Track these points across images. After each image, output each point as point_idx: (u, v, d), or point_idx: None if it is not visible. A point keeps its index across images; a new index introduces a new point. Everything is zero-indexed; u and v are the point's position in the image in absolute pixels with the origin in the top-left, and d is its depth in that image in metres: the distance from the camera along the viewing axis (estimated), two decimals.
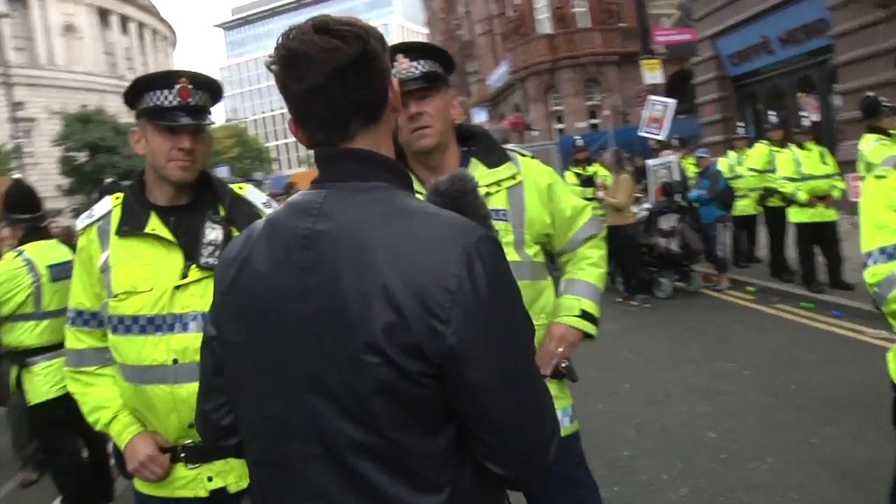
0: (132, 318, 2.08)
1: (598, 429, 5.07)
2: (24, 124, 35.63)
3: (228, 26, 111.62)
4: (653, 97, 12.17)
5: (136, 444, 2.12)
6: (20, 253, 4.45)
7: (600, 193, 9.50)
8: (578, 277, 2.39)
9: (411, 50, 2.14)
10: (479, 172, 2.21)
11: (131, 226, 2.12)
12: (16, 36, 47.10)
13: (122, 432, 2.15)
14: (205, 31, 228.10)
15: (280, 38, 1.28)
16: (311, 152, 1.34)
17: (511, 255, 2.17)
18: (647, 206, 9.80)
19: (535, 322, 2.17)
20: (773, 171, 8.80)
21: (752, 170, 9.58)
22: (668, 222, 9.17)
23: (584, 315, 2.32)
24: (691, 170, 10.68)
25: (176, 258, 2.09)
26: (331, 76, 1.21)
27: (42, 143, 41.76)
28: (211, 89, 2.18)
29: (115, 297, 2.09)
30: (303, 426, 1.21)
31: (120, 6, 58.19)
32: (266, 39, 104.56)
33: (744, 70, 17.38)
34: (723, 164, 10.24)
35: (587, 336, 2.34)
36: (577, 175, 10.67)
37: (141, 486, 2.19)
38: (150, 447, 2.10)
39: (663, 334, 7.65)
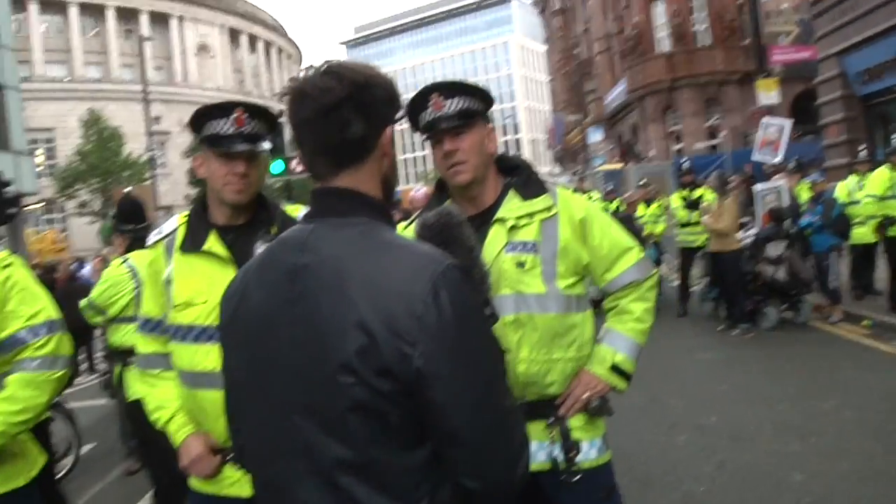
0: (188, 328, 2.27)
1: (676, 461, 4.93)
2: (159, 137, 38.12)
3: (352, 44, 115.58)
4: (767, 119, 11.69)
5: (189, 444, 2.31)
6: (125, 260, 4.82)
7: (705, 218, 9.22)
8: (618, 330, 2.37)
9: (445, 88, 2.22)
10: (514, 204, 2.27)
11: (192, 243, 2.32)
12: (156, 56, 50.79)
13: (178, 431, 2.35)
14: (329, 49, 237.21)
15: (302, 72, 1.42)
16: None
17: (537, 286, 2.21)
18: (753, 231, 9.42)
19: (563, 355, 2.21)
20: (894, 197, 8.27)
21: (870, 196, 9.02)
22: (775, 249, 8.78)
23: (615, 369, 2.31)
24: (805, 195, 10.18)
25: (230, 274, 2.23)
26: (320, 112, 1.35)
27: (174, 154, 44.62)
28: (266, 118, 2.34)
29: (175, 307, 2.29)
30: (291, 445, 1.32)
31: (249, 26, 61.48)
32: (388, 57, 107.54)
33: (874, 88, 16.31)
34: (842, 188, 9.66)
35: (615, 388, 2.33)
36: (683, 199, 10.39)
37: (194, 482, 2.37)
38: (201, 447, 2.28)
39: (761, 367, 7.31)
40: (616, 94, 37.87)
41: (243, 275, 1.47)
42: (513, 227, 2.23)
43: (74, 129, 39.93)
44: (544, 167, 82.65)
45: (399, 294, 1.25)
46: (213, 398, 2.21)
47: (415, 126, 2.29)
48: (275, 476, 1.36)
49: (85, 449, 6.43)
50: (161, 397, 2.41)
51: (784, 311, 9.15)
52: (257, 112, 2.32)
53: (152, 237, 2.47)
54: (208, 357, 2.21)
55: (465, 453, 1.28)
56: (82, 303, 5.12)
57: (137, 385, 2.51)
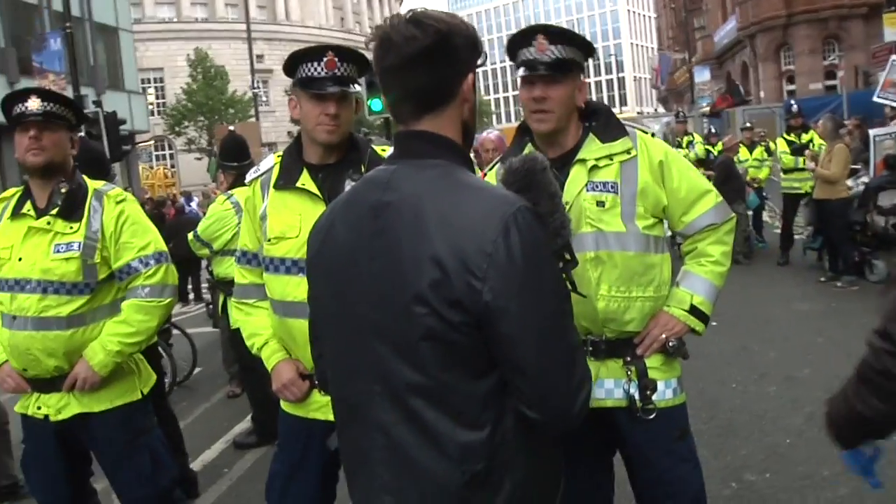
0: (280, 260, 2.42)
1: (763, 412, 4.86)
2: (262, 75, 38.97)
3: None
4: (895, 57, 10.86)
5: (280, 369, 2.48)
6: (229, 196, 5.07)
7: (811, 164, 8.78)
8: (696, 272, 2.39)
9: (552, 33, 2.23)
10: (593, 146, 2.30)
11: (286, 180, 2.46)
12: None
13: (271, 357, 2.53)
14: None
15: (387, 19, 1.48)
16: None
17: (617, 225, 2.26)
18: (864, 179, 8.91)
19: (641, 293, 2.26)
20: None
21: None
22: (889, 199, 8.28)
23: (693, 310, 2.34)
24: None
25: (320, 209, 2.35)
26: (405, 60, 1.41)
27: (277, 92, 45.59)
28: (357, 61, 2.44)
29: (269, 241, 2.45)
30: (367, 367, 1.43)
31: None
32: None
33: None
34: None
35: (694, 331, 2.36)
36: (789, 143, 9.90)
37: (284, 405, 2.56)
38: (292, 372, 2.45)
39: (862, 322, 6.95)
40: (726, 31, 36.01)
41: (330, 211, 1.58)
42: (593, 168, 2.28)
43: (182, 68, 41.35)
44: (648, 107, 79.97)
45: (472, 232, 1.32)
46: (303, 326, 2.33)
47: (512, 58, 2.32)
48: (353, 396, 1.48)
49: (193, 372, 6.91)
50: (255, 325, 2.58)
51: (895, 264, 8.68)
52: (348, 55, 2.41)
53: (250, 175, 2.63)
54: (299, 288, 2.34)
55: (529, 384, 1.35)
56: (189, 236, 5.44)
57: (235, 313, 2.69)
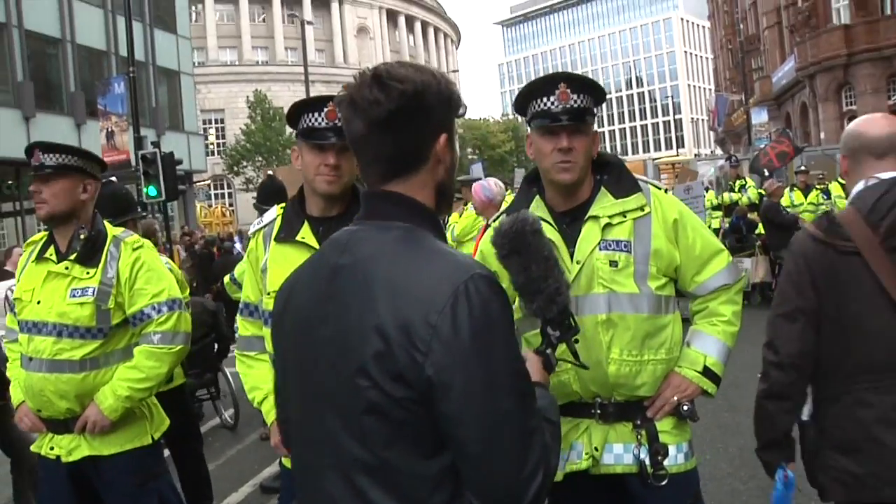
0: None
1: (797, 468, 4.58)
2: None
3: (507, 23, 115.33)
4: None
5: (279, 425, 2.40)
6: None
7: None
8: (709, 332, 2.32)
9: (575, 81, 2.18)
10: (606, 201, 2.24)
11: (286, 233, 2.44)
12: (317, 39, 53.21)
13: (270, 412, 2.49)
14: (485, 29, 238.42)
15: (354, 77, 1.41)
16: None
17: (630, 286, 2.18)
18: None
19: (653, 356, 2.18)
20: None
21: None
22: None
23: (706, 372, 2.26)
24: None
25: None
26: (369, 126, 1.34)
27: None
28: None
29: (268, 294, 2.41)
30: (320, 438, 1.36)
31: (407, 7, 62.83)
32: (543, 36, 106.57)
33: None
34: None
35: (706, 393, 2.29)
36: (843, 186, 9.58)
37: (285, 461, 2.49)
38: None
39: None
40: (784, 72, 35.47)
41: (296, 271, 1.51)
42: (607, 225, 2.21)
43: (242, 109, 42.67)
44: (706, 149, 79.05)
45: (419, 300, 1.24)
46: None
47: (521, 110, 2.27)
48: (307, 463, 1.41)
49: (228, 413, 6.92)
50: (257, 378, 2.55)
51: None
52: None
53: (253, 227, 2.61)
54: None
55: (472, 469, 1.25)
56: (226, 278, 5.49)
57: (238, 365, 2.67)
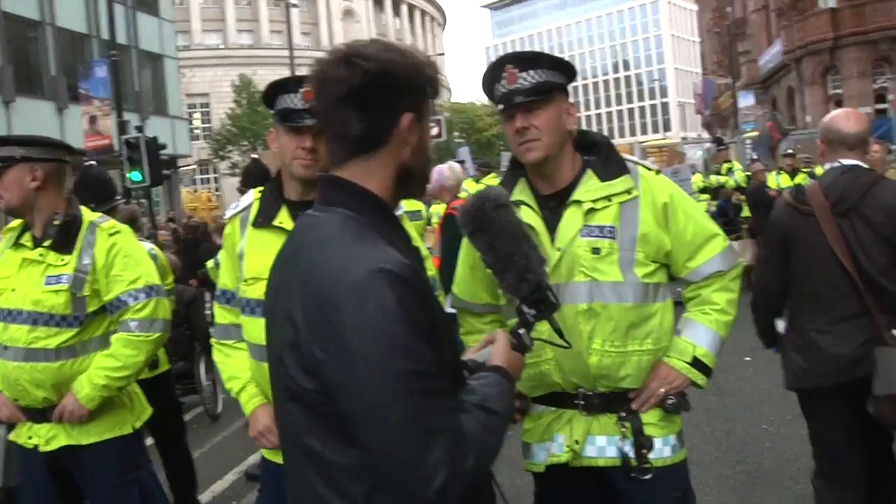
0: (256, 302, 2.30)
1: (796, 456, 4.57)
2: None
3: (495, 6, 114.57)
4: None
5: (257, 415, 2.38)
6: None
7: None
8: (700, 321, 2.21)
9: (521, 60, 2.09)
10: (592, 185, 2.13)
11: (263, 218, 2.36)
12: (303, 22, 52.74)
13: (248, 402, 2.43)
14: (472, 12, 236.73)
15: (326, 54, 1.41)
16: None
17: (614, 274, 2.08)
18: None
19: (638, 347, 2.11)
20: None
21: None
22: None
23: (696, 363, 2.17)
24: None
25: None
26: (332, 103, 1.36)
27: None
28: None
29: (245, 281, 2.35)
30: (280, 417, 1.43)
31: None
32: (532, 19, 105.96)
33: None
34: None
35: (695, 384, 2.19)
36: None
37: (265, 451, 2.46)
38: (268, 419, 2.33)
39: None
40: (771, 55, 35.48)
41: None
42: (590, 210, 2.10)
43: (228, 93, 42.25)
44: (692, 132, 79.13)
45: (323, 295, 1.24)
46: None
47: (490, 97, 2.19)
48: (282, 442, 1.47)
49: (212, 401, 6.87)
50: (235, 367, 2.49)
51: None
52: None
53: (229, 211, 2.54)
54: None
55: (374, 463, 1.24)
56: (209, 263, 5.42)
57: (215, 354, 2.61)
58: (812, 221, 2.90)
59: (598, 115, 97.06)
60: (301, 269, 1.31)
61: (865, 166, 2.97)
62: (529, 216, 2.11)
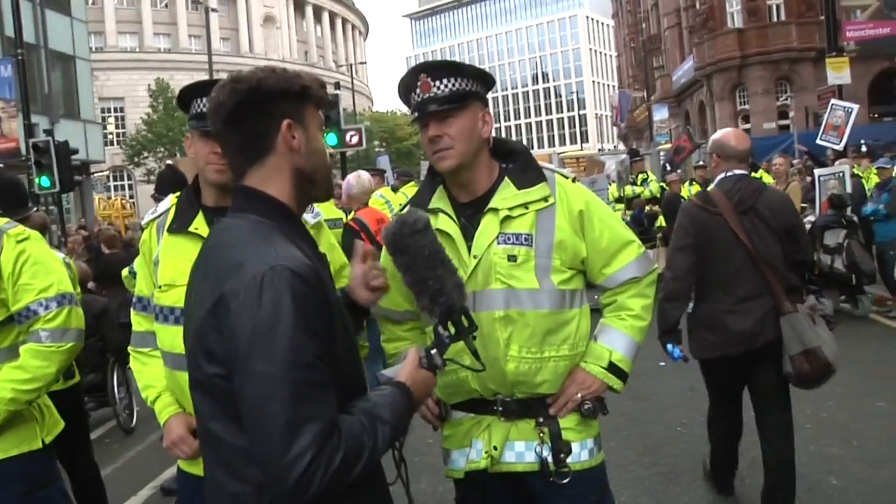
0: (170, 309, 2.27)
1: (707, 455, 4.76)
2: None
3: (416, 16, 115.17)
4: (834, 101, 11.16)
5: (171, 424, 2.34)
6: None
7: None
8: (616, 327, 2.24)
9: (434, 69, 2.10)
10: (508, 192, 2.14)
11: (179, 224, 2.32)
12: (223, 27, 51.70)
13: (163, 411, 2.38)
14: (394, 22, 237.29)
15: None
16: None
17: (530, 282, 2.09)
18: (811, 218, 9.02)
19: (555, 353, 2.11)
20: None
21: None
22: (833, 238, 8.39)
23: (612, 368, 2.19)
24: (873, 181, 9.71)
25: None
26: (217, 125, 1.53)
27: None
28: None
29: (159, 288, 2.29)
30: (195, 407, 1.54)
31: None
32: (452, 30, 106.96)
33: None
34: None
35: (612, 389, 2.22)
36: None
37: (180, 462, 2.41)
38: (181, 429, 2.30)
39: None
40: (684, 71, 36.85)
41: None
42: (506, 218, 2.11)
43: (143, 98, 41.00)
44: (609, 143, 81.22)
45: (224, 287, 1.37)
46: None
47: (406, 105, 2.21)
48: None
49: (124, 414, 6.63)
50: (150, 376, 2.43)
51: (842, 302, 8.77)
52: None
53: (147, 216, 2.48)
54: None
55: (250, 443, 1.35)
56: (124, 272, 5.25)
57: (132, 362, 2.54)
58: (720, 220, 3.58)
59: (518, 126, 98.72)
60: (211, 268, 1.44)
61: (753, 179, 3.83)
62: (446, 224, 2.13)
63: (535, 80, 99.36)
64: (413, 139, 52.25)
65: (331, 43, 64.64)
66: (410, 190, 9.68)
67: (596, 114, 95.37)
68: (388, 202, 7.46)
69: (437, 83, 2.07)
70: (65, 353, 2.70)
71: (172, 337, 2.24)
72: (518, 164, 2.21)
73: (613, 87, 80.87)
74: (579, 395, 2.15)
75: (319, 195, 1.60)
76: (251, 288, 1.33)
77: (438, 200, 2.20)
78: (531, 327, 2.08)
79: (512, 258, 2.09)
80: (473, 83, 2.13)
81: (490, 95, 2.22)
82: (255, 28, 56.48)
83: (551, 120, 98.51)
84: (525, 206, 2.12)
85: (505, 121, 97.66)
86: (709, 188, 3.84)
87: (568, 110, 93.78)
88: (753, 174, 9.84)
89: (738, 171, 3.66)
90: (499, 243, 2.10)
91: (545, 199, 2.14)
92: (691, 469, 4.60)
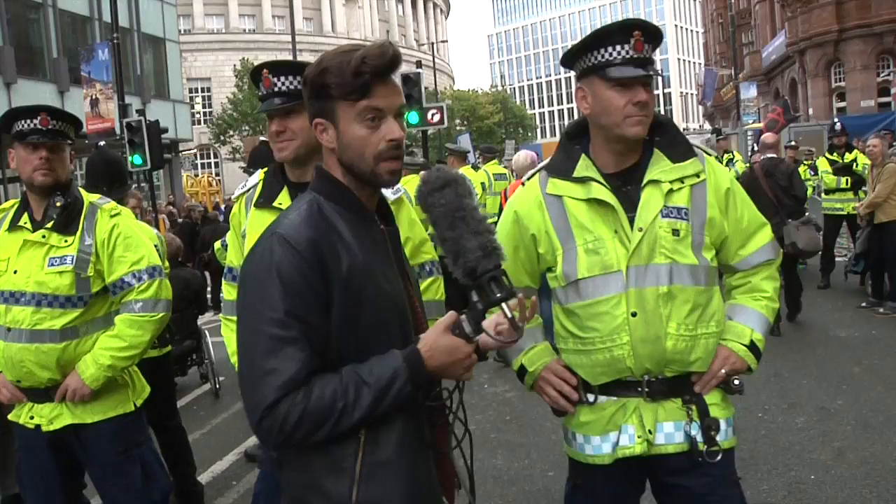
0: None
1: (790, 444, 4.64)
2: None
3: None
4: None
5: None
6: None
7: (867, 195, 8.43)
8: (753, 307, 2.20)
9: (649, 30, 2.03)
10: (663, 165, 2.08)
11: (265, 198, 2.41)
12: (305, 7, 52.51)
13: None
14: (476, 0, 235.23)
15: None
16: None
17: (690, 257, 2.05)
18: None
19: (705, 329, 2.06)
20: None
21: None
22: None
23: (752, 346, 2.15)
24: None
25: None
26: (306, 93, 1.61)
27: None
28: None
29: None
30: None
31: None
32: (533, 7, 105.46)
33: None
34: None
35: (749, 369, 2.16)
36: (832, 162, 9.58)
37: None
38: None
39: None
40: (774, 47, 35.39)
41: None
42: (669, 191, 2.06)
43: (229, 78, 42.12)
44: (694, 123, 78.87)
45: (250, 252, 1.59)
46: None
47: (576, 58, 2.11)
48: None
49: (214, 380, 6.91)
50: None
51: None
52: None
53: (237, 190, 2.58)
54: None
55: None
56: (216, 244, 5.45)
57: (223, 329, 2.66)
58: (756, 181, 7.15)
59: None
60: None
61: (777, 156, 7.61)
62: (602, 193, 2.07)
63: None
64: (494, 118, 52.02)
65: (412, 21, 64.80)
66: (492, 168, 9.66)
67: (681, 92, 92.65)
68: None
69: (647, 46, 2.02)
70: (157, 323, 2.85)
71: None
72: (667, 136, 2.14)
73: (699, 64, 78.30)
74: (723, 372, 2.10)
75: (372, 182, 1.59)
76: (258, 249, 1.52)
77: (586, 169, 2.12)
78: (690, 303, 2.04)
79: (675, 232, 2.04)
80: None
81: (572, 74, 2.18)
82: (338, 8, 57.14)
83: None
84: (681, 180, 2.08)
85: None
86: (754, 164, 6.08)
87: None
88: (848, 154, 9.50)
89: (769, 155, 7.51)
90: (663, 216, 2.04)
91: (698, 174, 2.09)
92: (772, 456, 4.48)
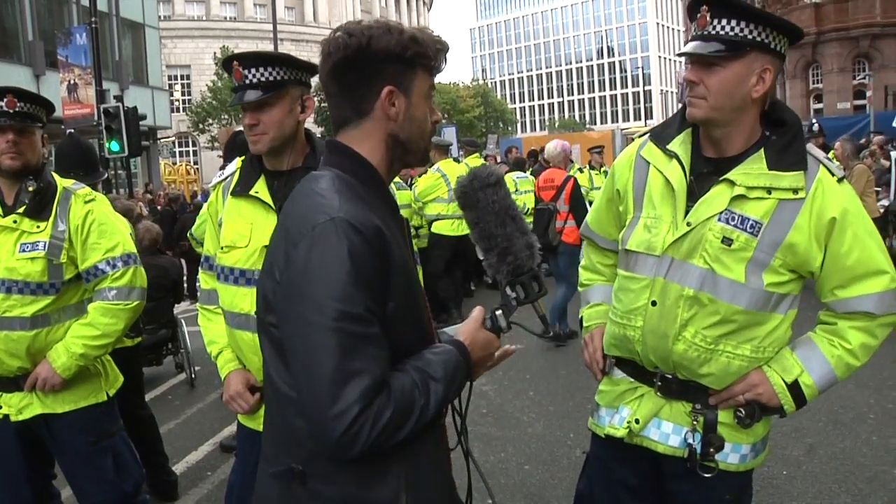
0: (230, 269, 2.36)
1: None
2: None
3: None
4: None
5: (230, 379, 2.45)
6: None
7: None
8: (822, 350, 1.95)
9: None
10: (753, 168, 1.87)
11: (241, 187, 2.40)
12: None
13: (224, 366, 2.49)
14: None
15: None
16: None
17: (733, 272, 1.86)
18: (884, 202, 8.68)
19: (732, 350, 1.91)
20: None
21: None
22: None
23: (794, 387, 1.92)
24: None
25: (271, 219, 2.30)
26: (323, 75, 1.47)
27: None
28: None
29: (221, 248, 2.39)
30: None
31: None
32: (516, 2, 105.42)
33: None
34: None
35: (781, 409, 1.96)
36: None
37: (239, 416, 2.51)
38: (240, 385, 2.41)
39: (884, 350, 6.73)
40: None
41: None
42: (740, 197, 1.86)
43: (209, 66, 41.75)
44: None
45: (286, 237, 1.38)
46: (247, 338, 2.32)
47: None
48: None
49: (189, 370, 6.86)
50: (215, 332, 2.54)
51: None
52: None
53: (214, 179, 2.56)
54: (246, 299, 2.30)
55: (297, 394, 1.35)
56: (189, 233, 5.41)
57: (199, 318, 2.64)
58: None
59: (581, 101, 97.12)
60: (285, 215, 1.44)
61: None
62: (674, 174, 1.95)
63: (599, 54, 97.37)
64: (475, 111, 52.01)
65: (395, 13, 64.55)
66: (474, 161, 9.68)
67: (661, 90, 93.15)
68: (445, 176, 7.50)
69: (716, 21, 1.86)
70: (131, 311, 2.81)
71: (232, 296, 2.34)
72: (782, 139, 1.91)
73: (680, 62, 78.79)
74: (743, 397, 1.94)
75: (413, 162, 1.57)
76: (311, 236, 1.32)
77: (680, 145, 1.99)
78: (719, 317, 1.89)
79: (727, 241, 1.87)
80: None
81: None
82: None
83: (615, 95, 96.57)
84: (768, 190, 1.85)
85: (568, 95, 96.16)
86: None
87: (633, 85, 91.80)
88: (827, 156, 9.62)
89: None
90: (719, 220, 1.88)
91: (795, 190, 1.85)
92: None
